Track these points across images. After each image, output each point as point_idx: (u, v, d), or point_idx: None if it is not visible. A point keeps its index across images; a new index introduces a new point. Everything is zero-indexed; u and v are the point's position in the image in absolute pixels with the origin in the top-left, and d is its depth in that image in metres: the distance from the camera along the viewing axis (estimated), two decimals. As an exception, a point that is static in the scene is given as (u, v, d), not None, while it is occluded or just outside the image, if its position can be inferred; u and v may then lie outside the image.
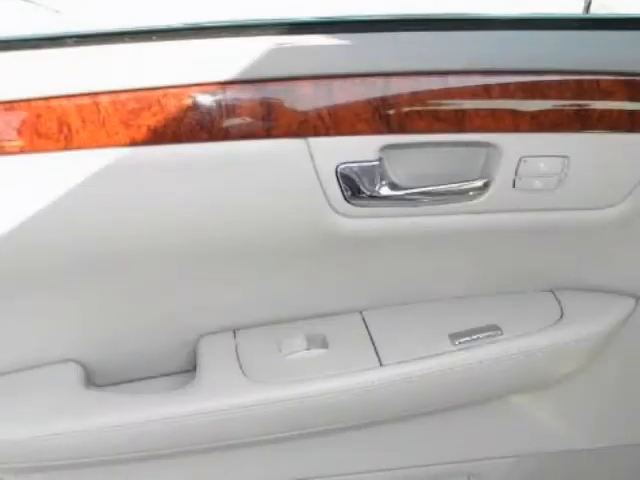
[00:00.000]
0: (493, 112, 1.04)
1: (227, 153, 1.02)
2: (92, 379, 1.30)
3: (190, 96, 0.98)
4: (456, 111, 1.03)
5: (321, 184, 1.06)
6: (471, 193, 1.10)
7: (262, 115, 1.00)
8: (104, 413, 1.22)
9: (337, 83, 1.01)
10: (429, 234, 1.15)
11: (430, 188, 1.09)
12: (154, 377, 1.34)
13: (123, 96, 0.98)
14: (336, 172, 1.05)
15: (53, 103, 0.97)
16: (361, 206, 1.09)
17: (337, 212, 1.09)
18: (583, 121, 1.05)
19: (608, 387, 1.42)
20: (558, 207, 1.13)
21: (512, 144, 1.06)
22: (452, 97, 1.03)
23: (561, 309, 1.29)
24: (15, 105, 0.97)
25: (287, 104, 1.00)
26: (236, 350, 1.28)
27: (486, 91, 1.03)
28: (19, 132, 0.97)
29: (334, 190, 1.06)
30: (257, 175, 1.05)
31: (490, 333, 1.26)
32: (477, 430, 1.43)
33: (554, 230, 1.18)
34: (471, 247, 1.22)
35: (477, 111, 1.03)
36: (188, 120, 0.99)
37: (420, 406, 1.32)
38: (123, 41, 1.00)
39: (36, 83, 0.97)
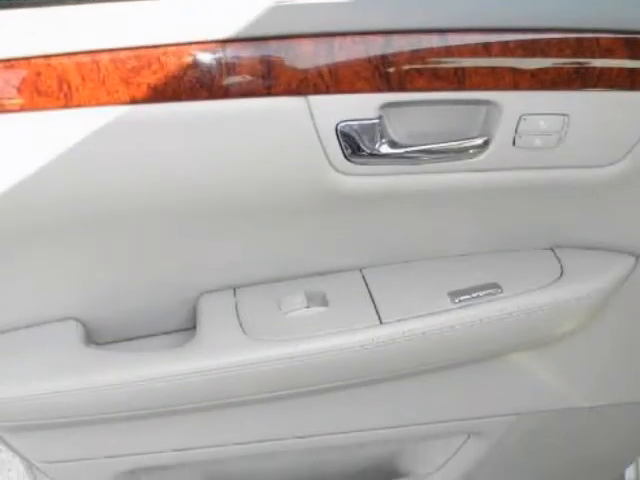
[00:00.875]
0: (493, 70, 1.05)
1: (227, 111, 1.04)
2: (92, 337, 1.33)
3: (190, 54, 1.00)
4: (456, 69, 1.05)
5: (321, 142, 1.07)
6: (471, 151, 1.11)
7: (262, 73, 1.01)
8: (104, 371, 1.25)
9: (337, 41, 1.02)
10: (429, 192, 1.17)
11: (430, 146, 1.10)
12: (154, 335, 1.37)
13: (123, 54, 0.99)
14: (336, 130, 1.06)
15: (53, 61, 0.98)
16: (361, 164, 1.10)
17: (337, 170, 1.11)
18: (583, 79, 1.06)
19: (608, 345, 1.45)
20: (558, 165, 1.15)
21: (512, 102, 1.07)
22: (452, 55, 1.04)
23: (561, 267, 1.31)
24: (15, 63, 0.98)
25: (287, 62, 1.01)
26: (236, 308, 1.30)
27: (486, 49, 1.04)
28: (19, 90, 0.99)
29: (334, 148, 1.08)
30: (257, 133, 1.07)
31: (490, 291, 1.28)
32: (477, 388, 1.47)
33: (554, 188, 1.20)
34: (471, 205, 1.24)
35: (477, 69, 1.05)
36: (188, 78, 1.00)
37: (420, 364, 1.35)
38: None
39: (36, 41, 0.98)
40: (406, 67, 1.04)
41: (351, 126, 1.07)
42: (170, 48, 1.00)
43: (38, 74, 0.99)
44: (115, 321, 1.33)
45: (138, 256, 1.24)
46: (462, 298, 1.28)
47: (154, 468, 1.48)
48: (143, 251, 1.23)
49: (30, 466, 1.52)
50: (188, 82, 1.01)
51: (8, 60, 0.98)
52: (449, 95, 1.07)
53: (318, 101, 1.05)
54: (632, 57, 1.06)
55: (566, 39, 1.05)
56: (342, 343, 1.25)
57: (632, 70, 1.07)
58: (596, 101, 1.10)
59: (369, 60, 1.03)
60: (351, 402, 1.42)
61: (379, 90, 1.05)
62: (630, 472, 2.00)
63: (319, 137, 1.07)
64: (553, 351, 1.42)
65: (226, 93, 1.02)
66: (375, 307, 1.29)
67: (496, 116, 1.09)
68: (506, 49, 1.04)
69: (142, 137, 1.05)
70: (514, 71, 1.05)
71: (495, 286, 1.29)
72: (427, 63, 1.04)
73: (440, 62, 1.05)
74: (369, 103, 1.06)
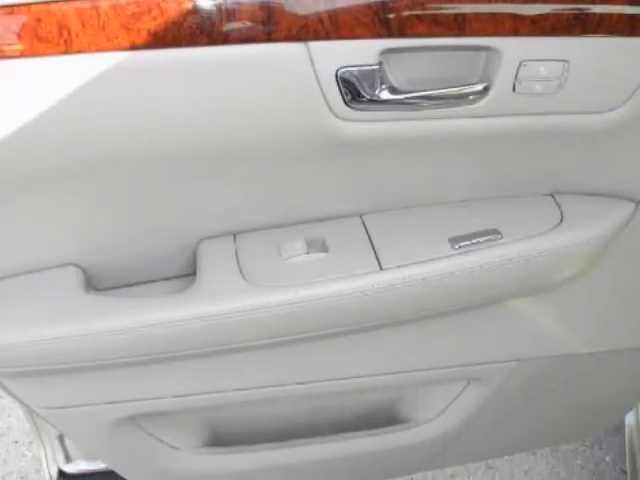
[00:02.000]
0: (493, 16, 1.06)
1: (227, 57, 1.06)
2: (92, 283, 1.36)
3: (190, 0, 1.01)
4: (456, 15, 1.06)
5: (321, 88, 1.09)
6: (471, 97, 1.13)
7: (262, 19, 1.03)
8: (104, 317, 1.28)
9: None
10: (429, 138, 1.20)
11: (430, 92, 1.13)
12: (154, 281, 1.40)
13: (123, 0, 1.01)
14: (336, 76, 1.08)
15: (53, 7, 1.00)
16: (361, 110, 1.13)
17: (337, 116, 1.13)
18: (583, 25, 1.08)
19: (608, 291, 1.48)
20: (558, 111, 1.17)
21: (512, 48, 1.09)
22: (452, 1, 1.06)
23: (561, 213, 1.33)
24: (15, 9, 1.00)
25: (287, 8, 1.03)
26: (236, 254, 1.33)
27: None
28: (19, 36, 1.00)
29: (334, 94, 1.10)
30: (257, 79, 1.09)
31: (490, 237, 1.31)
32: (477, 334, 1.50)
33: (554, 134, 1.22)
34: (471, 151, 1.26)
35: (477, 15, 1.06)
36: (188, 24, 1.02)
37: (420, 310, 1.38)
38: None
39: None
40: (406, 13, 1.06)
41: (351, 72, 1.09)
42: None
43: (38, 20, 1.00)
44: (115, 267, 1.36)
45: (138, 202, 1.26)
46: (462, 244, 1.31)
47: (154, 414, 1.52)
48: (143, 197, 1.25)
49: (30, 412, 1.56)
50: (188, 28, 1.02)
51: (8, 6, 1.00)
52: (449, 41, 1.09)
53: (318, 47, 1.06)
54: (632, 3, 1.08)
55: None
56: (342, 289, 1.28)
57: (632, 16, 1.09)
58: (596, 47, 1.11)
59: (369, 6, 1.05)
60: (351, 348, 1.45)
61: (379, 36, 1.07)
62: (630, 418, 2.05)
63: (319, 83, 1.09)
64: (553, 297, 1.45)
65: (226, 39, 1.04)
66: (375, 253, 1.31)
67: (496, 62, 1.11)
68: None
69: (142, 83, 1.07)
70: (514, 17, 1.07)
71: (495, 232, 1.31)
72: (427, 9, 1.06)
73: (440, 8, 1.06)
74: (369, 49, 1.08)
